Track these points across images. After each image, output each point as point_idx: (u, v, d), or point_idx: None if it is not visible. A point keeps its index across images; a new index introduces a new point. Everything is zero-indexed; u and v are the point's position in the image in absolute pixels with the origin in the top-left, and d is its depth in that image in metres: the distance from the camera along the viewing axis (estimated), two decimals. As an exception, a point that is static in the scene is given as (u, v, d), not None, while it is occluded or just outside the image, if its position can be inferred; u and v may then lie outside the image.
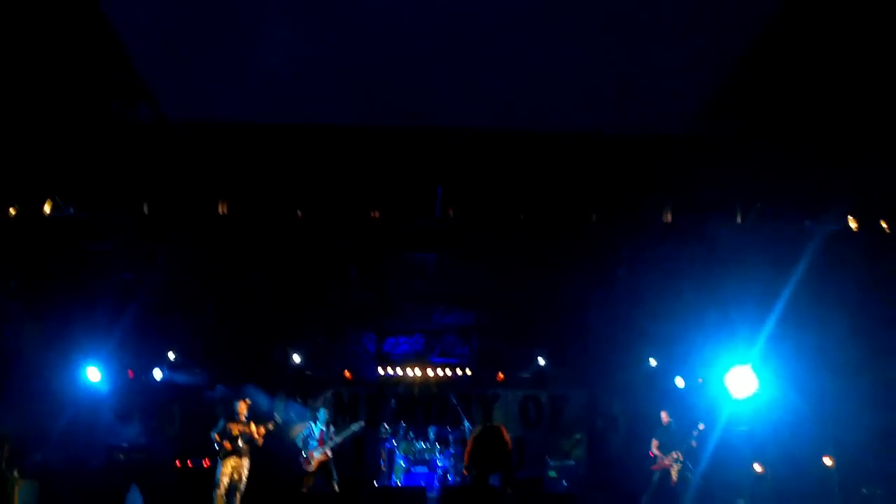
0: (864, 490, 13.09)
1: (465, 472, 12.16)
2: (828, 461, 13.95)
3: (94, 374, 14.44)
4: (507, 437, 13.21)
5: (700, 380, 14.88)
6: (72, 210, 11.98)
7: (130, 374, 15.26)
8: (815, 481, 13.58)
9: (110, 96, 10.87)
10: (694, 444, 12.53)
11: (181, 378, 15.41)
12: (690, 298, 13.80)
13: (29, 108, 10.63)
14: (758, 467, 14.14)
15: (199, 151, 11.41)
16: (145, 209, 11.73)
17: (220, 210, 11.75)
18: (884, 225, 12.18)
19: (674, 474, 12.33)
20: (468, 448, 13.42)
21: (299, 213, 12.12)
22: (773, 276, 12.84)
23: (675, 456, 12.39)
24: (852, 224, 12.08)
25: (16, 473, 13.35)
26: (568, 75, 10.21)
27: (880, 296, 13.42)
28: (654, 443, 12.69)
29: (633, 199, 12.36)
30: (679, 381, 15.14)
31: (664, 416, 12.86)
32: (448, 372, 16.19)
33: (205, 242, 13.32)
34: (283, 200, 12.15)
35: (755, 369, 13.47)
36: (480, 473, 11.95)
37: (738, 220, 12.35)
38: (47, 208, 11.63)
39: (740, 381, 13.71)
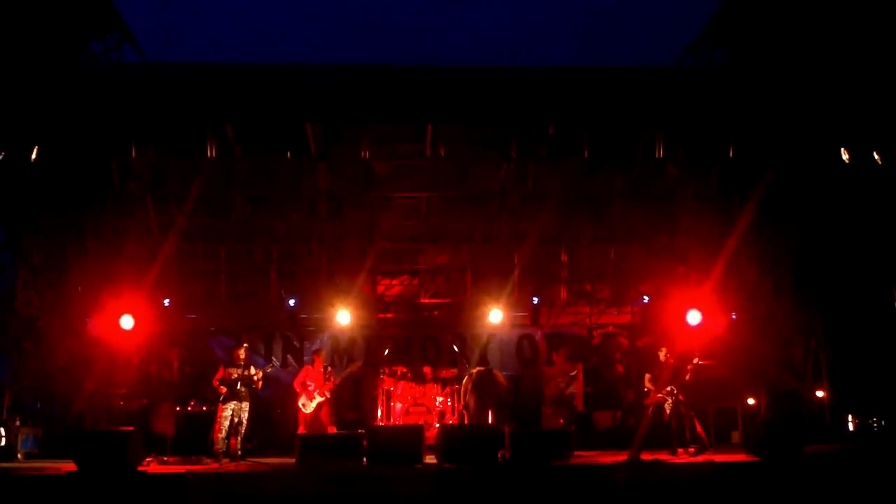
0: (854, 419, 13.30)
1: (464, 416, 12.28)
2: (821, 393, 14.13)
3: (95, 323, 14.47)
4: (500, 378, 13.34)
5: (694, 315, 14.96)
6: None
7: (127, 321, 15.28)
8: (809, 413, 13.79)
9: (92, 37, 10.65)
10: (688, 378, 12.60)
11: (178, 325, 15.42)
12: (684, 232, 13.84)
13: (12, 54, 10.44)
14: (750, 400, 14.30)
15: (185, 92, 11.23)
16: (133, 152, 11.58)
17: (208, 153, 11.60)
18: (876, 157, 12.11)
19: (667, 408, 12.42)
20: (462, 390, 13.57)
21: (289, 153, 11.98)
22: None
23: (668, 390, 12.47)
24: (844, 156, 12.01)
25: (17, 422, 13.48)
26: (556, 9, 10.00)
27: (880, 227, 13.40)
28: (647, 377, 12.76)
29: (626, 133, 12.23)
30: (677, 317, 15.23)
31: (662, 353, 12.91)
32: (443, 312, 16.22)
33: (196, 186, 13.23)
34: (271, 141, 12.00)
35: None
36: (478, 414, 12.11)
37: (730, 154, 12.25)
38: (34, 155, 11.48)
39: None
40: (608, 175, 13.37)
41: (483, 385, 13.32)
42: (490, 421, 13.10)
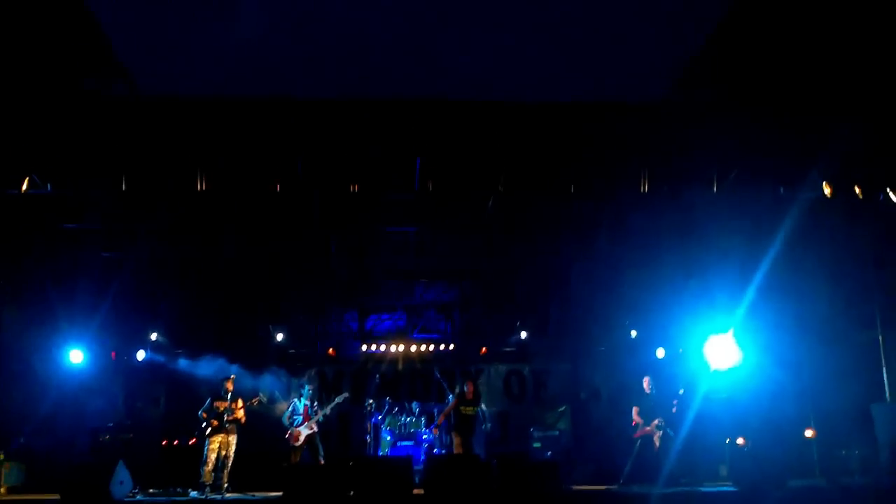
0: (842, 452, 13.34)
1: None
2: (809, 433, 14.17)
3: (76, 357, 14.46)
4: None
5: (681, 350, 15.07)
6: (49, 188, 11.88)
7: (113, 355, 15.29)
8: (795, 448, 13.82)
9: (85, 73, 10.76)
10: (674, 410, 12.64)
11: (164, 359, 15.40)
12: (670, 268, 13.92)
13: (3, 87, 10.55)
14: (740, 440, 14.29)
15: (175, 126, 11.32)
16: (123, 185, 11.64)
17: (198, 186, 11.67)
18: (857, 191, 12.31)
19: (656, 440, 12.44)
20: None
21: (278, 187, 12.07)
22: (753, 244, 12.98)
23: (656, 423, 12.50)
24: (826, 190, 12.20)
25: (1, 455, 13.36)
26: (544, 44, 10.22)
27: (857, 264, 13.62)
28: (635, 409, 12.78)
29: (611, 169, 12.37)
30: (660, 352, 15.32)
31: (646, 382, 12.96)
32: (431, 347, 16.27)
33: (184, 219, 13.28)
34: (261, 175, 12.07)
35: (736, 339, 13.69)
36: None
37: (714, 188, 12.39)
38: (25, 186, 11.54)
39: (720, 351, 13.95)
40: (596, 210, 13.48)
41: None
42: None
